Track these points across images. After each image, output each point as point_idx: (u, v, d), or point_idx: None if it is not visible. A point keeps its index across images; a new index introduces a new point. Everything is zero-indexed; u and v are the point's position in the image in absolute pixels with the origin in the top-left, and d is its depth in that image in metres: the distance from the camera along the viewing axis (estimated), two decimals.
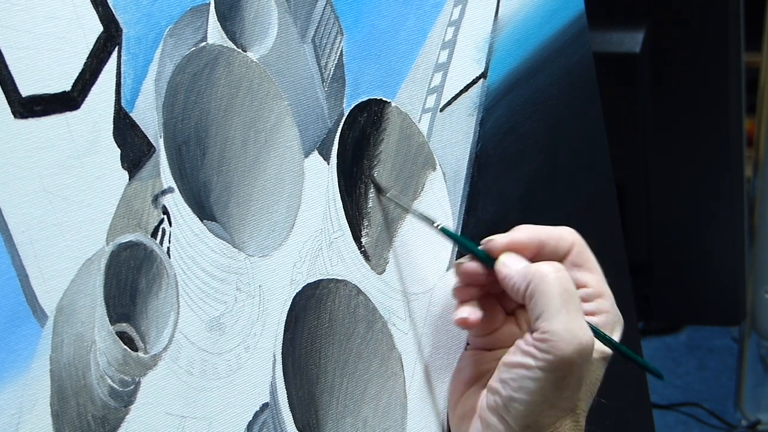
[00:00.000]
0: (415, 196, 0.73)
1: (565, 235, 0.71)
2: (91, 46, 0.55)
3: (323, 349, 0.66)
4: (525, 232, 0.70)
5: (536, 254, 0.70)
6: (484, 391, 0.68)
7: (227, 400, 0.61)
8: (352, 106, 0.69)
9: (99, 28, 0.55)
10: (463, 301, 0.70)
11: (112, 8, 0.56)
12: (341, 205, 0.68)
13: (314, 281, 0.66)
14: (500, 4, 0.79)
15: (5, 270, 0.52)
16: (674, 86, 1.36)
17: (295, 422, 0.64)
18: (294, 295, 0.65)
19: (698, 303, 1.49)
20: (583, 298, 0.70)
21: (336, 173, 0.67)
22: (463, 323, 0.70)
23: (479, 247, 0.70)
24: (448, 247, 0.74)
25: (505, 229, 0.73)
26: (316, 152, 0.66)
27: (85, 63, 0.55)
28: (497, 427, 0.66)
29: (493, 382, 0.67)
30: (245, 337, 0.62)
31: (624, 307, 0.73)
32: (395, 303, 0.71)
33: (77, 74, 0.55)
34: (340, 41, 0.68)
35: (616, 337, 0.71)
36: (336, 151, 0.67)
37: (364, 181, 0.70)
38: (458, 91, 0.76)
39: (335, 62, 0.67)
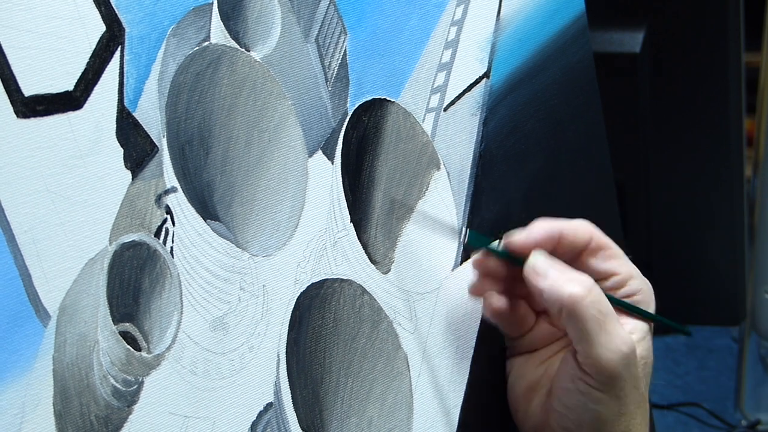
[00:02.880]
0: (420, 195, 0.73)
1: (582, 228, 0.71)
2: (94, 46, 0.55)
3: (328, 349, 0.66)
4: (543, 228, 0.70)
5: (555, 249, 0.70)
6: (552, 408, 0.69)
7: (231, 400, 0.61)
8: (356, 106, 0.68)
9: (102, 28, 0.55)
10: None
11: (114, 8, 0.56)
12: (345, 205, 0.68)
13: (318, 281, 0.66)
14: (502, 4, 0.79)
15: (8, 270, 0.51)
16: (674, 86, 1.36)
17: (299, 422, 0.64)
18: (298, 294, 0.65)
19: (698, 303, 1.49)
20: (616, 286, 0.70)
21: (340, 173, 0.67)
22: (490, 310, 0.70)
23: (499, 245, 0.70)
24: (453, 246, 0.74)
25: (508, 229, 0.73)
26: (320, 152, 0.66)
27: (88, 63, 0.55)
28: None
29: (557, 405, 0.68)
30: (249, 336, 0.62)
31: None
32: (400, 303, 0.71)
33: (80, 74, 0.54)
34: (344, 41, 0.68)
35: (652, 307, 0.72)
36: (340, 151, 0.67)
37: (367, 180, 0.70)
38: (462, 91, 0.76)
39: (339, 62, 0.67)
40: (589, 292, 0.67)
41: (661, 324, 0.73)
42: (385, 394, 0.70)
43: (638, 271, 0.73)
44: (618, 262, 0.72)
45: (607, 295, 0.69)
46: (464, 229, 0.76)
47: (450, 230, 0.72)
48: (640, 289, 0.72)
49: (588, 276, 0.68)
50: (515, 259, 0.70)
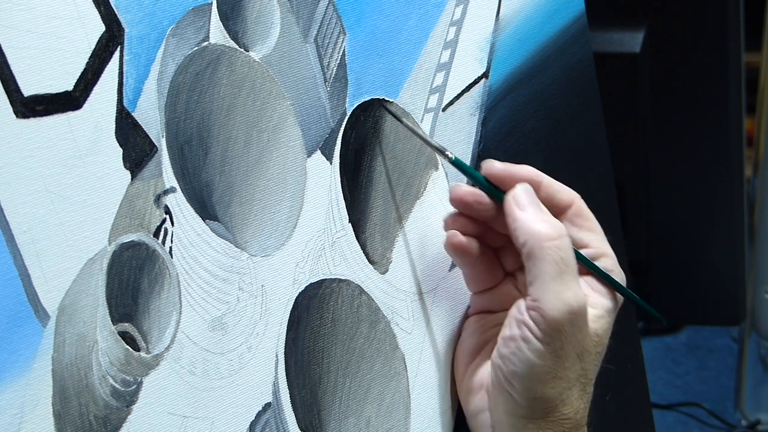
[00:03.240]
0: (418, 195, 0.73)
1: (565, 191, 0.70)
2: (93, 46, 0.55)
3: (326, 349, 0.66)
4: (528, 169, 0.69)
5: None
6: (488, 365, 0.68)
7: (229, 400, 0.61)
8: (355, 106, 0.69)
9: (101, 28, 0.55)
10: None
11: (114, 8, 0.56)
12: (344, 205, 0.68)
13: (317, 281, 0.66)
14: (501, 4, 0.79)
15: (7, 270, 0.51)
16: (674, 86, 1.36)
17: (298, 422, 0.64)
18: (296, 294, 0.65)
19: (698, 303, 1.49)
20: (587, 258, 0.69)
21: (339, 173, 0.67)
22: (455, 245, 0.69)
23: (480, 171, 0.68)
24: None
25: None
26: (318, 152, 0.66)
27: (87, 63, 0.55)
28: (504, 402, 0.66)
29: (495, 357, 0.66)
30: (248, 336, 0.62)
31: (624, 307, 0.73)
32: (398, 303, 0.71)
33: (79, 74, 0.54)
34: (343, 41, 0.68)
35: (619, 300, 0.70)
36: (339, 151, 0.67)
37: (366, 180, 0.70)
38: (460, 91, 0.76)
39: (338, 62, 0.67)
40: (558, 236, 0.65)
41: (637, 306, 0.72)
42: (383, 394, 0.70)
43: (614, 256, 0.71)
44: (594, 237, 0.70)
45: (580, 255, 0.68)
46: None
47: (437, 148, 0.70)
48: (611, 270, 0.70)
49: (563, 225, 0.67)
50: (494, 191, 0.68)
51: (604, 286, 0.70)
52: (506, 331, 0.66)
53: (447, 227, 0.70)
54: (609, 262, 0.70)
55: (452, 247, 0.70)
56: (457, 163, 0.69)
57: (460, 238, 0.69)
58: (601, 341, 0.68)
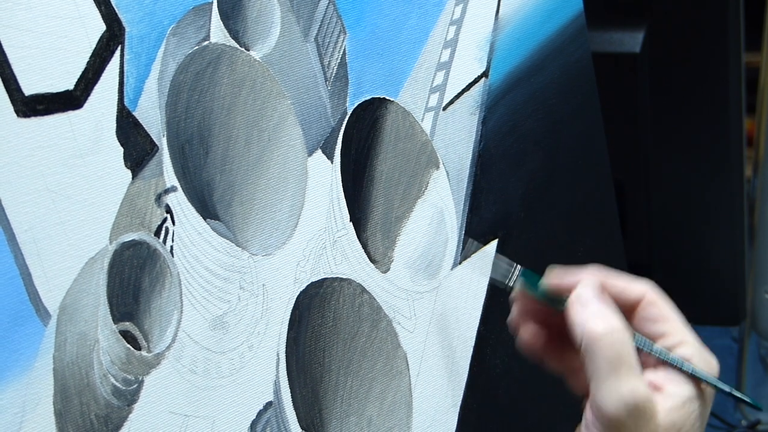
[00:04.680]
0: (419, 194, 0.73)
1: (633, 287, 0.68)
2: (94, 45, 0.55)
3: (327, 348, 0.66)
4: (592, 276, 0.69)
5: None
6: None
7: (231, 398, 0.61)
8: (355, 105, 0.69)
9: (102, 27, 0.55)
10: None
11: (114, 7, 0.56)
12: (345, 204, 0.68)
13: (318, 280, 0.66)
14: (501, 3, 0.79)
15: (8, 269, 0.51)
16: (674, 86, 1.36)
17: (299, 421, 0.64)
18: (298, 293, 0.65)
19: (698, 303, 1.48)
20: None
21: (339, 172, 0.67)
22: (528, 344, 0.68)
23: (544, 284, 0.68)
24: (452, 245, 0.74)
25: (507, 228, 0.73)
26: (319, 151, 0.66)
27: (88, 62, 0.55)
28: None
29: None
30: (249, 335, 0.62)
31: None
32: (400, 302, 0.71)
33: (80, 73, 0.54)
34: (343, 40, 0.68)
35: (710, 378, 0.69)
36: (339, 150, 0.67)
37: (367, 179, 0.70)
38: (460, 90, 0.76)
39: (338, 61, 0.67)
40: (611, 332, 0.65)
41: (712, 386, 0.70)
42: (385, 393, 0.70)
43: (697, 341, 0.70)
44: (671, 325, 0.68)
45: (649, 346, 0.67)
46: (462, 228, 0.75)
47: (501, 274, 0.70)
48: (691, 357, 0.67)
49: (620, 317, 0.66)
50: (555, 301, 0.68)
51: (684, 376, 0.69)
52: (582, 429, 0.66)
53: (512, 330, 0.70)
54: (689, 349, 0.68)
55: (522, 344, 0.69)
56: (525, 284, 0.68)
57: (525, 334, 0.69)
58: (685, 430, 0.67)
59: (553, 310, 0.68)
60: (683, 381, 0.68)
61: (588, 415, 0.65)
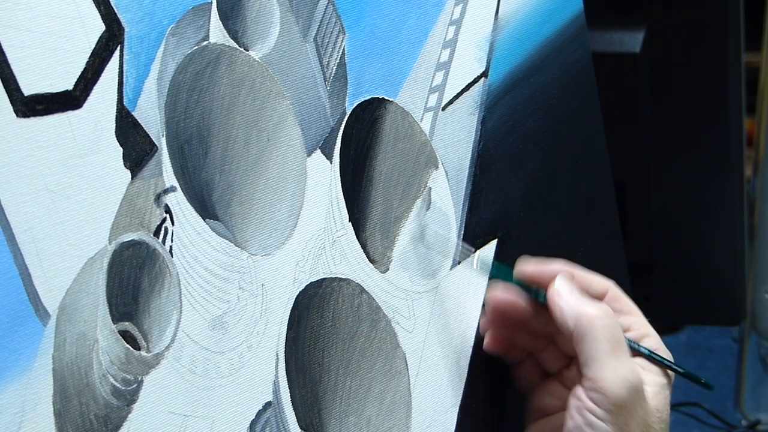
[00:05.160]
0: (418, 194, 0.73)
1: (597, 279, 0.72)
2: (94, 45, 0.55)
3: (326, 348, 0.66)
4: (559, 266, 0.71)
5: None
6: None
7: (230, 398, 0.61)
8: (355, 105, 0.69)
9: (101, 27, 0.55)
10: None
11: (114, 7, 0.56)
12: (344, 204, 0.68)
13: (317, 280, 0.66)
14: (500, 3, 0.79)
15: (7, 269, 0.51)
16: (674, 86, 1.36)
17: (298, 421, 0.64)
18: (297, 293, 0.65)
19: (698, 303, 1.49)
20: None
21: (339, 172, 0.67)
22: (491, 351, 0.71)
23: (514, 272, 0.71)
24: (452, 245, 0.74)
25: (507, 228, 0.73)
26: (318, 151, 0.66)
27: (88, 62, 0.55)
28: None
29: None
30: (248, 335, 0.62)
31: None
32: (399, 302, 0.71)
33: (79, 73, 0.54)
34: (342, 40, 0.68)
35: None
36: (338, 150, 0.67)
37: (366, 179, 0.70)
38: (460, 90, 0.76)
39: (337, 61, 0.67)
40: (606, 315, 0.67)
41: (680, 375, 0.72)
42: (384, 393, 0.70)
43: (656, 335, 0.72)
44: (634, 319, 0.71)
45: (627, 341, 0.69)
46: (461, 228, 0.76)
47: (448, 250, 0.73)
48: (657, 349, 0.71)
49: (608, 306, 0.68)
50: (528, 289, 0.70)
51: (654, 365, 0.70)
52: (570, 422, 0.67)
53: (482, 331, 0.73)
54: (653, 341, 0.72)
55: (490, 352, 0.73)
56: (493, 274, 0.71)
57: (496, 346, 0.72)
58: (662, 416, 0.69)
59: (519, 316, 0.70)
60: (655, 370, 0.70)
61: (584, 402, 0.65)
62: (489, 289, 0.72)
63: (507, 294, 0.71)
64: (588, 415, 0.65)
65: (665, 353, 0.71)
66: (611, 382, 0.65)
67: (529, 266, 0.71)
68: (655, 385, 0.69)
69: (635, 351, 0.70)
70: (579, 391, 0.67)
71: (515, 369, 0.74)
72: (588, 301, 0.68)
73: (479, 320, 0.74)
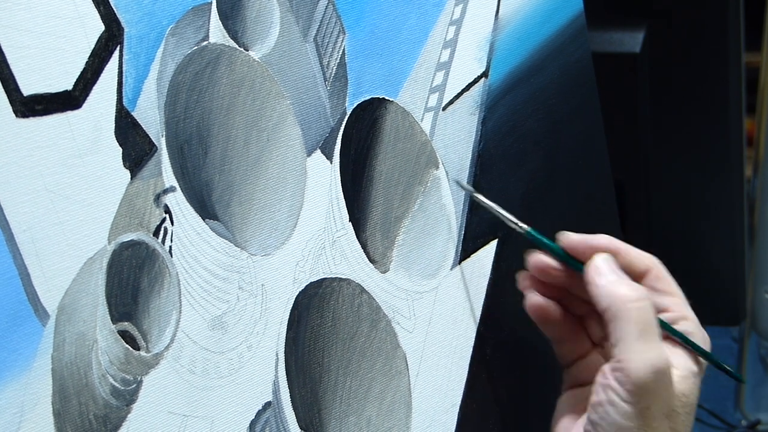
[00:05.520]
0: (418, 195, 0.73)
1: (642, 256, 0.71)
2: (93, 45, 0.55)
3: (326, 348, 0.66)
4: (604, 241, 0.70)
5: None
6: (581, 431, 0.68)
7: (229, 399, 0.61)
8: (355, 105, 0.69)
9: (100, 27, 0.55)
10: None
11: (113, 7, 0.56)
12: (344, 204, 0.68)
13: (317, 280, 0.66)
14: (501, 3, 0.79)
15: (7, 269, 0.51)
16: (674, 86, 1.36)
17: (298, 421, 0.64)
18: (297, 293, 0.65)
19: (698, 303, 1.48)
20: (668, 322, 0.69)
21: (339, 172, 0.67)
22: (534, 306, 0.70)
23: (556, 244, 0.70)
24: (452, 244, 0.74)
25: (507, 228, 0.73)
26: (318, 151, 0.66)
27: (87, 62, 0.55)
28: None
29: (586, 425, 0.67)
30: (248, 335, 0.62)
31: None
32: (399, 302, 0.71)
33: (79, 73, 0.54)
34: (342, 40, 0.68)
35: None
36: (339, 150, 0.67)
37: (366, 179, 0.70)
38: (460, 90, 0.76)
39: (337, 61, 0.67)
40: (639, 298, 0.66)
41: (709, 362, 0.72)
42: (384, 393, 0.70)
43: (696, 319, 0.71)
44: (673, 300, 0.70)
45: (662, 322, 0.68)
46: (461, 229, 0.76)
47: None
48: (692, 333, 0.70)
49: (644, 289, 0.68)
50: (573, 261, 0.70)
51: (686, 350, 0.70)
52: (594, 397, 0.67)
53: (521, 286, 0.72)
54: (690, 325, 0.70)
55: (531, 308, 0.71)
56: (533, 236, 0.70)
57: (538, 298, 0.71)
58: (689, 401, 0.68)
59: (561, 280, 0.70)
60: (687, 355, 0.70)
61: (609, 380, 0.66)
62: (531, 256, 0.70)
63: (548, 261, 0.70)
64: (610, 393, 0.65)
65: (702, 337, 0.70)
66: (635, 365, 0.65)
67: (573, 238, 0.70)
68: (683, 369, 0.69)
69: (670, 334, 0.70)
70: (606, 368, 0.67)
71: (562, 336, 0.72)
72: (624, 282, 0.67)
73: (519, 278, 0.72)
